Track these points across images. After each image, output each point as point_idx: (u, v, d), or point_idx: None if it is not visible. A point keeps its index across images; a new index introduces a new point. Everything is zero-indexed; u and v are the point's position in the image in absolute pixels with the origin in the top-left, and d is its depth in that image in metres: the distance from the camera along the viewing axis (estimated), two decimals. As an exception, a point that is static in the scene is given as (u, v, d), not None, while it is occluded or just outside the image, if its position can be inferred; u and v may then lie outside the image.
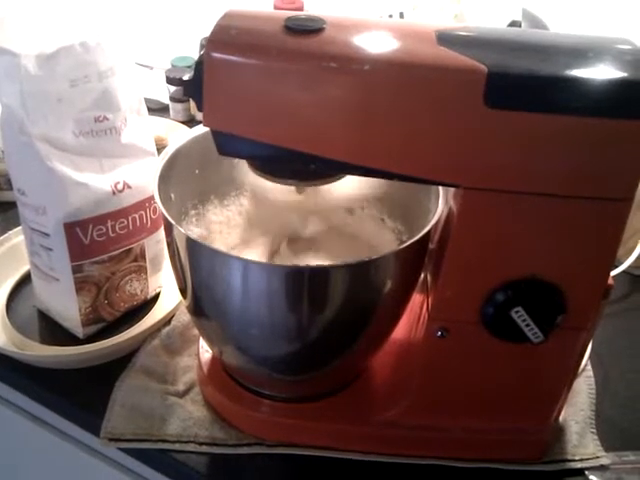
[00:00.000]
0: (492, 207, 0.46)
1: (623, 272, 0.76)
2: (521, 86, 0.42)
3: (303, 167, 0.47)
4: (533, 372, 0.54)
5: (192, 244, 0.49)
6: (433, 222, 0.49)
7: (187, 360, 0.69)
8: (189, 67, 1.08)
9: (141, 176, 0.67)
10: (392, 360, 0.60)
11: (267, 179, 0.49)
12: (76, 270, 0.65)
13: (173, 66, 1.09)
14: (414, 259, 0.51)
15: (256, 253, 0.65)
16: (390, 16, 0.87)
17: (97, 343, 0.67)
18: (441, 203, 0.50)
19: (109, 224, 0.66)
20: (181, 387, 0.65)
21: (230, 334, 0.55)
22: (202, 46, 1.10)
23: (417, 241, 0.47)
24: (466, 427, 0.58)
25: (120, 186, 0.65)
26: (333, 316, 0.48)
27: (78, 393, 0.65)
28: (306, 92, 0.44)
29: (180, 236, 0.50)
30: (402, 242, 0.61)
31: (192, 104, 1.07)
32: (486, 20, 0.90)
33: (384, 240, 0.62)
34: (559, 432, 0.61)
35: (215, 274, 0.50)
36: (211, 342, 0.61)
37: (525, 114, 0.42)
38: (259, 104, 0.45)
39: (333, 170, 0.48)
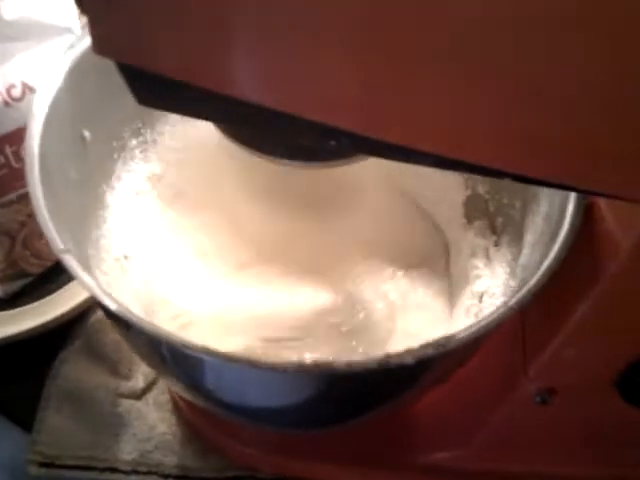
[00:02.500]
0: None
1: None
2: None
3: (317, 144, 0.22)
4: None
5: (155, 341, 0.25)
6: (551, 261, 0.25)
7: (150, 332, 0.49)
8: None
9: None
10: (444, 397, 0.40)
11: (251, 153, 0.25)
12: (-32, 220, 0.43)
13: None
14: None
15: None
16: None
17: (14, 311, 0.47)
18: (569, 223, 0.26)
19: (8, 150, 0.42)
20: (140, 381, 0.46)
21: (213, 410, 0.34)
22: None
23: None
24: (544, 474, 0.40)
25: (16, 91, 0.40)
26: (360, 406, 0.27)
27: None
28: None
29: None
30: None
31: None
32: None
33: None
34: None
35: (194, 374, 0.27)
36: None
37: None
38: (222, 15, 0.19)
39: (377, 153, 0.23)
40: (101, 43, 0.21)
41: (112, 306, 0.23)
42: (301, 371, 0.22)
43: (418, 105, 0.19)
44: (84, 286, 0.24)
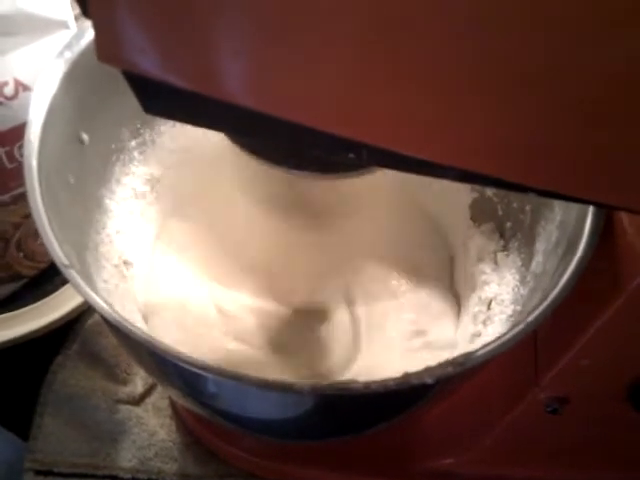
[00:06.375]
0: None
1: None
2: None
3: (336, 157, 0.21)
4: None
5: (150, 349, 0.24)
6: (570, 275, 0.24)
7: (148, 334, 0.48)
8: None
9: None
10: (450, 403, 0.39)
11: (257, 161, 0.24)
12: (-41, 223, 0.42)
13: None
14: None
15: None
16: None
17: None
18: (588, 236, 0.25)
19: (1, 150, 0.41)
20: (139, 386, 0.45)
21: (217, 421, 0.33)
22: None
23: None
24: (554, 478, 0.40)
25: (9, 89, 0.39)
26: (368, 421, 0.27)
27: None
28: None
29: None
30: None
31: None
32: None
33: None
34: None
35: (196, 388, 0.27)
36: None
37: None
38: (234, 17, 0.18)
39: (399, 167, 0.22)
40: (106, 51, 0.20)
41: (119, 323, 0.22)
42: (316, 392, 0.21)
43: (443, 119, 0.18)
44: (90, 302, 0.23)
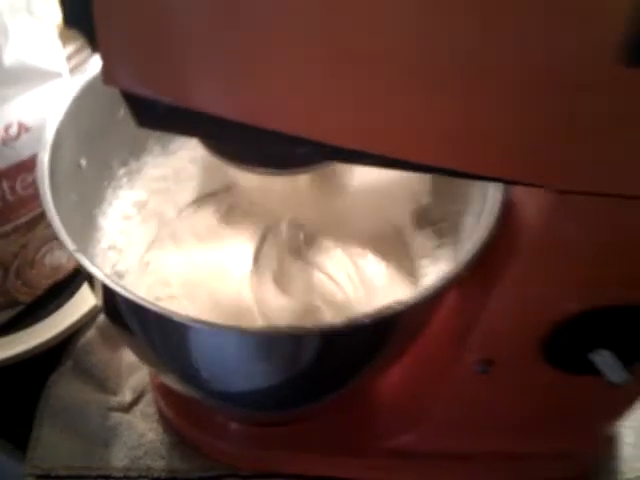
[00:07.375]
0: (591, 215, 0.28)
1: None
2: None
3: (285, 151, 0.28)
4: (596, 399, 0.40)
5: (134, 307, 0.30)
6: (481, 243, 0.31)
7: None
8: None
9: (43, 111, 0.46)
10: (400, 377, 0.45)
11: (223, 161, 0.30)
12: (-35, 251, 0.47)
13: None
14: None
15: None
16: None
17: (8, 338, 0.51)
18: (497, 209, 0.32)
19: (5, 185, 0.46)
20: (127, 396, 0.50)
21: (192, 390, 0.39)
22: None
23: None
24: (498, 451, 0.45)
25: (13, 130, 0.45)
26: (327, 371, 0.32)
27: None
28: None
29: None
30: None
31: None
32: None
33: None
34: (610, 445, 0.48)
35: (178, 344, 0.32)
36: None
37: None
38: (209, 43, 0.24)
39: (336, 158, 0.29)
40: (109, 76, 0.26)
41: (118, 289, 0.28)
42: (276, 334, 0.27)
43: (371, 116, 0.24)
44: (95, 276, 0.28)
